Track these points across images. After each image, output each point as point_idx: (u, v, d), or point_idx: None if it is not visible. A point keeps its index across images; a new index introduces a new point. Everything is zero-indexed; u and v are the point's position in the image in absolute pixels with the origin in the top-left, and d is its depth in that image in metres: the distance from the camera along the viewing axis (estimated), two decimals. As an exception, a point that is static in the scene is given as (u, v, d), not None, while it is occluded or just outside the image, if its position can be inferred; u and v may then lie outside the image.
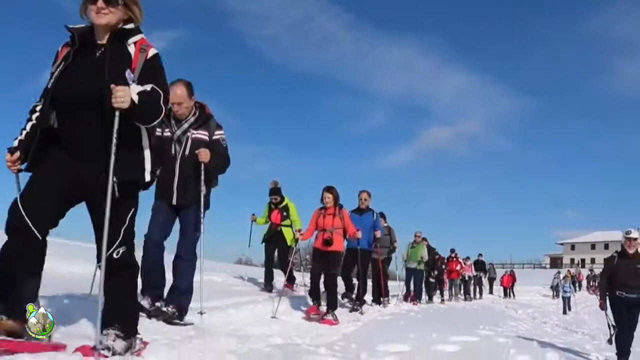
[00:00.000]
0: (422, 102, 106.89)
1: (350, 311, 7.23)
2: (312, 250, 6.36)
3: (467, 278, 17.30)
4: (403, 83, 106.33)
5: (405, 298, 11.43)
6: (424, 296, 12.83)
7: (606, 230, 60.79)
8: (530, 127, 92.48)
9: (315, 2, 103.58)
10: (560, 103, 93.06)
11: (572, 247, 66.91)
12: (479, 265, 19.92)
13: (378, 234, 7.67)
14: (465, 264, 16.83)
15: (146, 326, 3.50)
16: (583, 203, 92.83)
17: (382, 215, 9.52)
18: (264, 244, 7.90)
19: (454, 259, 15.87)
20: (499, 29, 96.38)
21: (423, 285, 12.65)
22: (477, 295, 19.02)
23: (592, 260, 58.95)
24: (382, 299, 9.07)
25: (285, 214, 7.67)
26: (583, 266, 49.68)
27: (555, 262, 60.19)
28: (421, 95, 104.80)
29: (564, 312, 18.77)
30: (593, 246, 64.07)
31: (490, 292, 23.11)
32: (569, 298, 19.51)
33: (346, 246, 7.09)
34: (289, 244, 7.63)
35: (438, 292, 14.25)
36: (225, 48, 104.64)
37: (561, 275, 27.02)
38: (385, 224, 9.65)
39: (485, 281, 21.28)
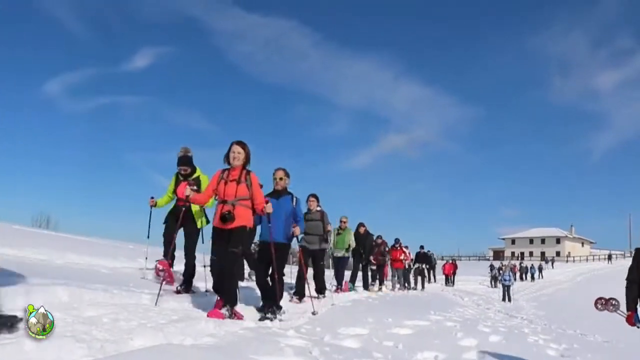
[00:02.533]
0: (381, 111, 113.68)
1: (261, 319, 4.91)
2: (212, 230, 4.75)
3: (407, 267, 15.97)
4: (363, 94, 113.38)
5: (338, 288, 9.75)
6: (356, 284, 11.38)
7: (542, 227, 70.66)
8: (475, 133, 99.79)
9: (287, 22, 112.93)
10: (502, 112, 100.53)
11: (513, 241, 72.81)
12: (422, 257, 19.07)
13: (297, 231, 5.78)
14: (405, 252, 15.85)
15: (130, 310, 3.68)
16: (522, 202, 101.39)
17: (314, 196, 8.14)
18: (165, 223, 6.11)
19: (398, 248, 14.74)
20: (447, 45, 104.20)
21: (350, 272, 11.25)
22: (419, 287, 18.02)
23: (530, 254, 64.57)
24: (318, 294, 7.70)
25: (195, 188, 5.54)
26: (522, 258, 53.68)
27: (498, 255, 64.15)
28: (380, 105, 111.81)
29: (503, 299, 20.14)
30: (531, 241, 71.17)
31: (432, 280, 22.71)
32: (508, 287, 21.03)
33: (259, 240, 5.26)
34: (198, 226, 5.98)
35: (376, 279, 12.91)
36: (206, 62, 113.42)
37: (496, 266, 28.97)
38: (318, 208, 8.07)
39: (426, 272, 20.93)
